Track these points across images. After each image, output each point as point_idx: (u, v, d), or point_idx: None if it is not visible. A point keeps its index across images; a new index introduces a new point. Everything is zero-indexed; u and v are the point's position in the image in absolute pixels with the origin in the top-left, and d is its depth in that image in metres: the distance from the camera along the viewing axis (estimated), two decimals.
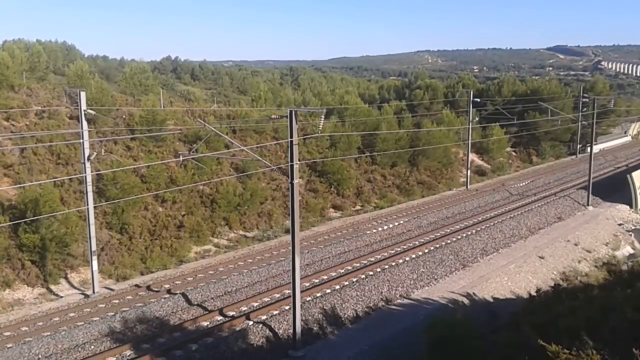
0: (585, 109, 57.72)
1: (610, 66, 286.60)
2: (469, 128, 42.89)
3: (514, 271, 23.97)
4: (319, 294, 20.14)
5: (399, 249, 26.08)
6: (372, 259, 24.61)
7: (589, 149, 40.02)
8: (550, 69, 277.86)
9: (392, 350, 16.47)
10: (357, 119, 43.60)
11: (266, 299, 20.05)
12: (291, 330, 16.37)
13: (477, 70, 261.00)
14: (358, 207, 37.58)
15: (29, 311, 19.63)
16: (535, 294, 18.70)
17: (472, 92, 44.15)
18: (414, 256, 24.72)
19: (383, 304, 20.11)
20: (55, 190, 25.36)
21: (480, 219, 32.17)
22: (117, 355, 15.83)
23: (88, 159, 22.56)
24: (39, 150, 28.99)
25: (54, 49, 76.62)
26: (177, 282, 21.87)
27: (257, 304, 19.65)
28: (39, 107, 34.13)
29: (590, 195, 37.01)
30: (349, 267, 23.54)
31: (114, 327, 17.43)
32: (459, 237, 27.83)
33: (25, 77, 40.55)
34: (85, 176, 22.63)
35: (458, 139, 49.56)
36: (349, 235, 27.96)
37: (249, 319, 18.07)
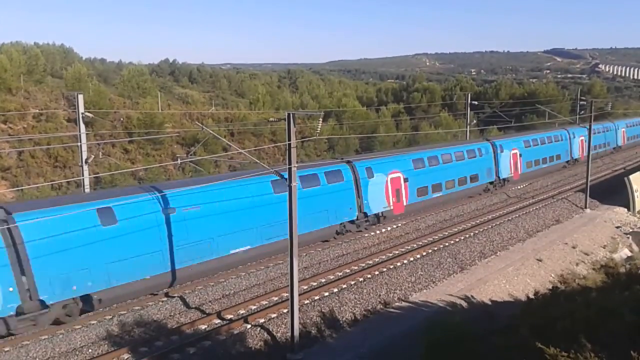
0: (582, 111, 57.92)
1: (607, 69, 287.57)
2: (466, 131, 42.94)
3: (512, 274, 23.97)
4: (317, 297, 20.11)
5: (397, 252, 26.05)
6: (370, 262, 24.58)
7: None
8: (548, 71, 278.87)
9: (391, 354, 16.46)
10: (355, 121, 43.71)
11: (264, 302, 20.00)
12: (289, 334, 16.34)
13: (474, 73, 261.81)
14: None
15: None
16: (533, 296, 18.73)
17: (469, 94, 44.21)
18: (412, 259, 24.70)
19: (381, 307, 20.09)
20: (53, 193, 25.33)
21: (478, 221, 32.17)
22: (114, 359, 15.79)
23: (86, 162, 22.57)
24: (37, 153, 28.99)
25: (52, 52, 76.79)
26: (175, 285, 21.80)
27: (255, 307, 19.61)
28: (37, 110, 34.12)
29: (588, 197, 37.07)
30: (347, 270, 23.50)
31: (111, 330, 17.37)
32: (457, 239, 27.82)
33: (23, 80, 40.56)
34: (83, 179, 22.63)
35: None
36: (347, 237, 27.92)
37: (247, 322, 18.03)
